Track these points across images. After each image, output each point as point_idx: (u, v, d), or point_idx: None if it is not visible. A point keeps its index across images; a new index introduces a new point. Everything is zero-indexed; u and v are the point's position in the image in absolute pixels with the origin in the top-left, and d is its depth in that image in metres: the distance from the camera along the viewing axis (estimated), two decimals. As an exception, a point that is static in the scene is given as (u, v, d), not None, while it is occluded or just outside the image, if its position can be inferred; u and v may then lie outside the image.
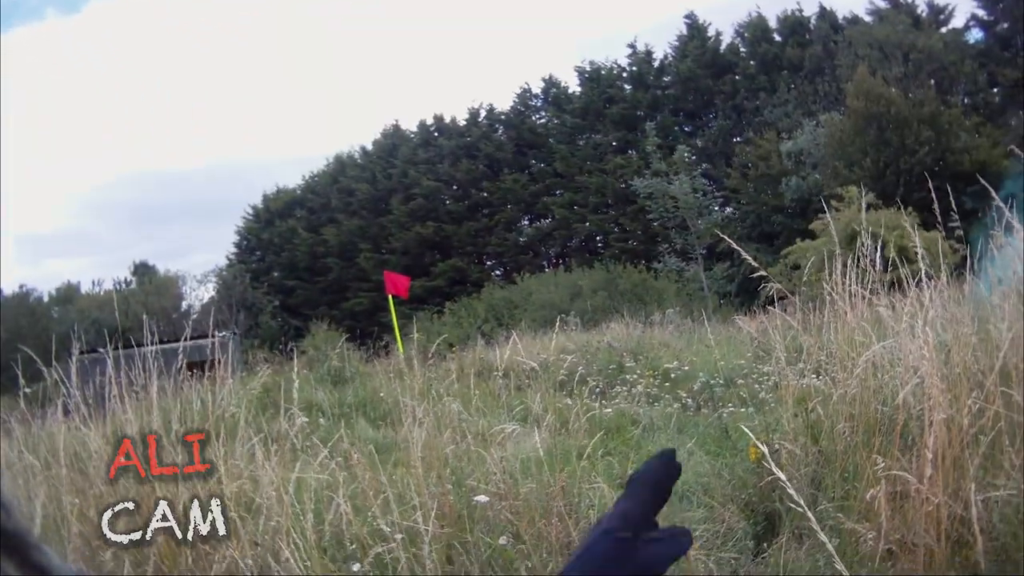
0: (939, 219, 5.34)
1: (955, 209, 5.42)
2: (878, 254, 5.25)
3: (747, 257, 5.39)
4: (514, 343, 8.01)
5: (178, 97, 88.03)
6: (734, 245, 5.68)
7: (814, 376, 5.60)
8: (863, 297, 5.31)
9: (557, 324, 9.91)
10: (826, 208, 10.84)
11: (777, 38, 49.07)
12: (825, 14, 48.03)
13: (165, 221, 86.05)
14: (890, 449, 4.00)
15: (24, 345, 6.61)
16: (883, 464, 3.46)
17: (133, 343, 6.43)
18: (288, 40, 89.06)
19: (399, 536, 4.20)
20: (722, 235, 6.19)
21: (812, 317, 6.34)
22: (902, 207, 11.19)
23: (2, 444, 5.85)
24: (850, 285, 5.32)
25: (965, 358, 4.25)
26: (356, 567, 4.22)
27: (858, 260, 5.33)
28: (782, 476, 2.77)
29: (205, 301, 52.35)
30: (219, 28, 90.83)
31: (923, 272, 4.78)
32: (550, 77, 54.77)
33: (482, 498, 4.80)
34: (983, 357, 4.21)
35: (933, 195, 5.49)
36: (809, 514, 2.82)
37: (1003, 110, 39.64)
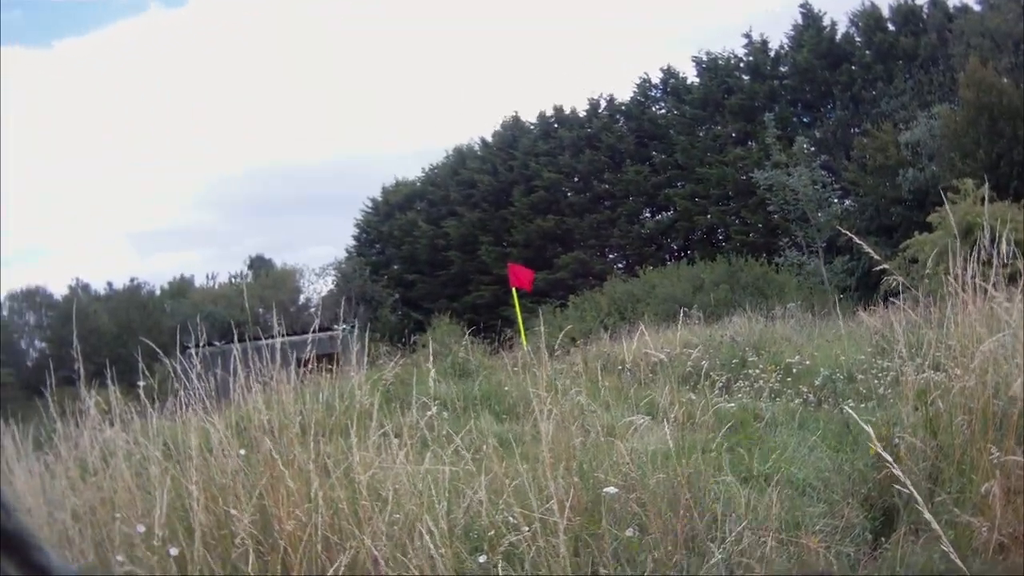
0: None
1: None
2: (995, 247, 5.16)
3: (870, 251, 5.36)
4: (641, 336, 8.05)
5: (295, 90, 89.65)
6: (856, 239, 5.65)
7: (933, 371, 5.52)
8: (982, 291, 5.23)
9: (680, 318, 9.87)
10: (944, 200, 10.61)
11: (891, 27, 47.85)
12: (937, 2, 46.70)
13: (281, 214, 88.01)
14: (1005, 442, 3.96)
15: (134, 338, 6.84)
16: (998, 454, 3.43)
17: (261, 335, 6.60)
18: (409, 33, 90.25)
19: (526, 528, 4.27)
20: (842, 229, 6.15)
21: (932, 311, 6.26)
22: (1018, 199, 10.89)
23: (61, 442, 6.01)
24: (970, 278, 5.24)
25: None
26: (482, 559, 4.30)
27: (975, 253, 5.25)
28: (899, 472, 2.76)
29: (324, 294, 53.23)
30: (338, 21, 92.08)
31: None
32: (668, 67, 54.44)
33: (611, 489, 4.86)
34: None
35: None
36: (926, 514, 2.80)
37: (1115, 97, 38.22)
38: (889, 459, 3.32)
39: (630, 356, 8.85)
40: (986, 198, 6.52)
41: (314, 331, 6.29)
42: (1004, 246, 5.16)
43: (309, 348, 6.29)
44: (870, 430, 3.95)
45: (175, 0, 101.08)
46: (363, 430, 5.28)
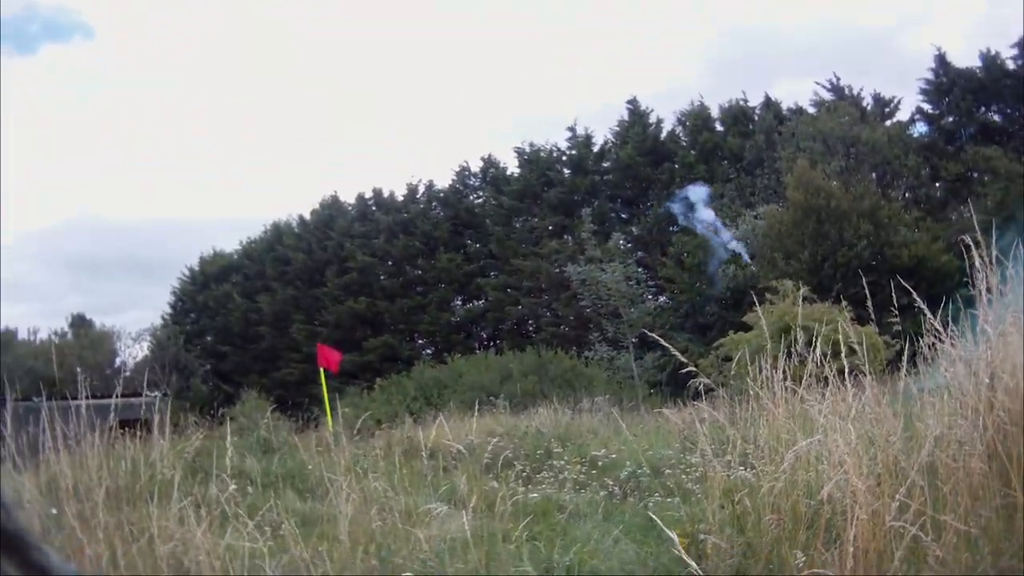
0: (871, 314, 5.40)
1: (893, 304, 5.47)
2: (810, 348, 5.23)
3: (675, 353, 5.38)
4: (440, 424, 8.01)
5: (126, 147, 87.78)
6: (661, 341, 5.67)
7: (741, 468, 5.56)
8: (793, 392, 5.30)
9: (482, 406, 9.76)
10: (756, 302, 10.77)
11: (719, 128, 48.89)
12: (770, 104, 48.06)
13: (104, 274, 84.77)
14: (814, 542, 3.99)
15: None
16: (803, 559, 3.45)
17: (68, 396, 6.43)
18: (243, 99, 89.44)
19: None
20: (649, 332, 6.15)
21: (740, 410, 6.32)
22: (838, 300, 11.25)
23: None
24: (779, 380, 5.30)
25: (891, 453, 4.29)
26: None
27: (790, 354, 5.34)
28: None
29: (139, 359, 52.23)
30: (167, 81, 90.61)
31: (852, 366, 4.84)
32: (489, 156, 54.39)
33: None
34: (912, 453, 4.25)
35: (868, 289, 5.54)
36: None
37: (944, 205, 40.35)
38: (692, 564, 3.33)
39: (432, 443, 8.72)
40: (799, 301, 6.69)
41: (118, 396, 6.15)
42: (819, 347, 5.24)
43: (112, 414, 6.15)
44: (673, 535, 3.96)
45: (26, 48, 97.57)
46: (165, 500, 5.16)
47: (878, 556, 3.53)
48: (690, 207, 40.90)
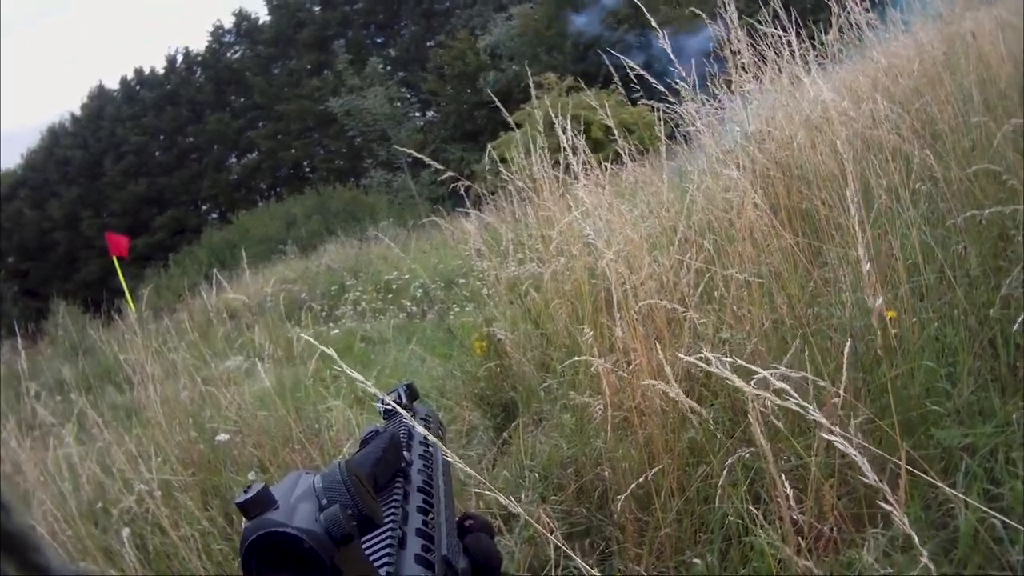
0: (618, 92, 5.31)
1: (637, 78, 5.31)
2: (583, 136, 5.05)
3: (436, 165, 5.20)
4: (232, 286, 7.90)
5: None
6: (427, 160, 5.45)
7: (532, 263, 5.34)
8: (557, 178, 5.14)
9: (273, 256, 9.63)
10: (500, 106, 10.50)
11: None
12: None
13: None
14: (599, 317, 3.96)
15: None
16: (591, 334, 3.39)
17: None
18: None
19: (143, 489, 4.16)
20: (416, 153, 5.86)
21: (513, 208, 6.24)
22: (606, 86, 11.08)
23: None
24: (543, 169, 5.16)
25: (667, 219, 4.31)
26: (126, 531, 4.14)
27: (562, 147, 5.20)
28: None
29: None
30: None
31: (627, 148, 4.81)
32: (240, 11, 53.87)
33: (222, 437, 4.76)
34: (691, 215, 4.25)
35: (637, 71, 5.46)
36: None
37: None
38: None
39: (217, 306, 8.54)
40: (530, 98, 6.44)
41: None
42: (576, 133, 5.06)
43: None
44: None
45: None
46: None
47: (666, 317, 3.49)
48: None
